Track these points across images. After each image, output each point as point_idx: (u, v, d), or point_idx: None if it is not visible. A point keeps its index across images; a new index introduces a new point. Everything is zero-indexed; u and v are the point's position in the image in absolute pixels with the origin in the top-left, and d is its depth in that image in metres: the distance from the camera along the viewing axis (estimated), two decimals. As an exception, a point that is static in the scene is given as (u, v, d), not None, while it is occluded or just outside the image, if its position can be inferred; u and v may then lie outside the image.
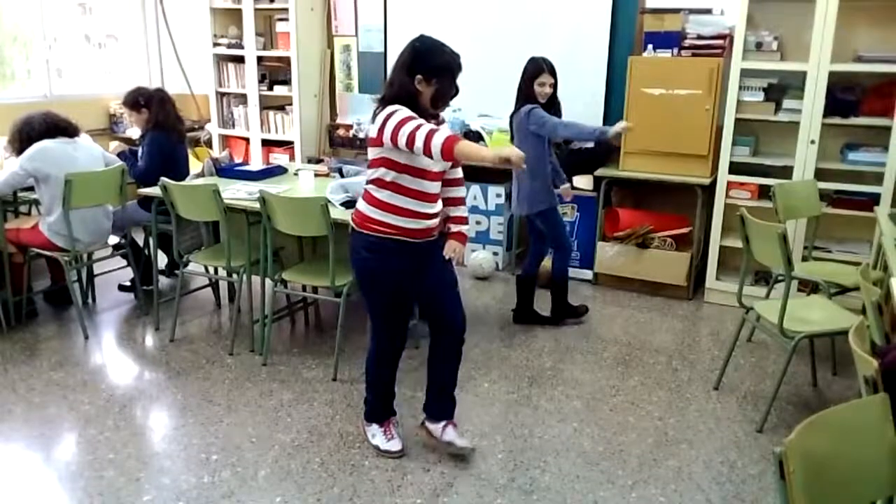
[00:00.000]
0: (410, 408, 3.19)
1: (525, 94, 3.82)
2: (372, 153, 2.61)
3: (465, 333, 2.85)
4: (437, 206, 2.71)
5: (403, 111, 2.49)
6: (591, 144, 4.94)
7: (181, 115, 4.52)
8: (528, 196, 3.96)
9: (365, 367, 2.94)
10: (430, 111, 2.62)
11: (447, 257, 2.76)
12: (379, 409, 2.96)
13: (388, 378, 2.93)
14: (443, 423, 2.88)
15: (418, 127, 2.42)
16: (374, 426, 2.96)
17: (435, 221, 2.71)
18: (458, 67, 2.59)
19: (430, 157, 2.42)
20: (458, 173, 2.84)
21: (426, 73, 2.53)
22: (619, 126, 3.83)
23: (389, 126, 2.47)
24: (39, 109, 3.99)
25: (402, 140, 2.44)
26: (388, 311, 2.79)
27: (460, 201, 2.86)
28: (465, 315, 2.84)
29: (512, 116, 3.94)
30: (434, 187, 2.66)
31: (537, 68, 3.80)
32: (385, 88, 2.61)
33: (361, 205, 2.68)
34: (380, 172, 2.59)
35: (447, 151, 2.36)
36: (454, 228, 2.83)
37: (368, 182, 2.66)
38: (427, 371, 2.91)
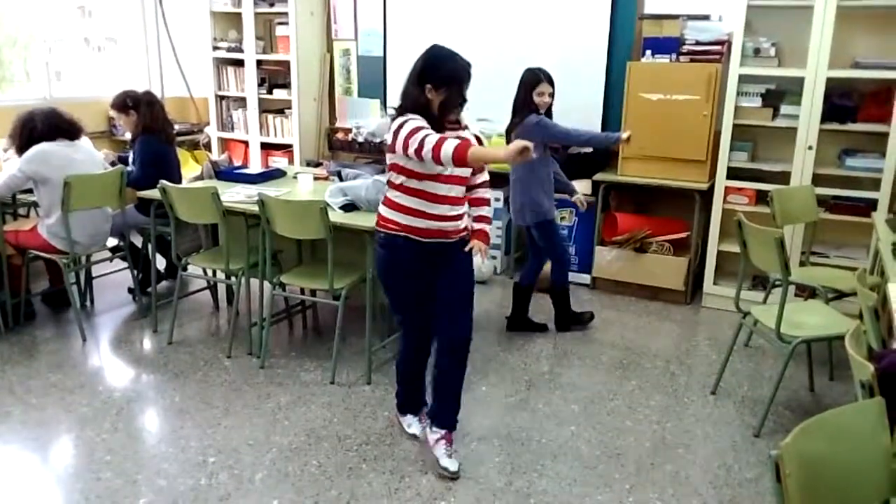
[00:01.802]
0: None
1: (525, 104, 3.80)
2: (388, 158, 2.72)
3: (469, 343, 2.85)
4: (452, 210, 2.72)
5: (414, 121, 2.56)
6: (589, 149, 4.95)
7: (170, 117, 4.53)
8: (525, 206, 3.94)
9: (395, 365, 3.09)
10: (449, 118, 2.67)
11: (468, 250, 2.78)
12: (409, 403, 3.09)
13: (413, 375, 3.05)
14: (438, 435, 2.86)
15: (426, 137, 2.47)
16: (410, 416, 3.08)
17: (447, 224, 2.71)
18: (468, 77, 2.64)
19: (441, 164, 2.50)
20: (483, 176, 2.90)
21: (435, 83, 2.60)
22: (625, 134, 3.93)
23: (400, 136, 2.54)
24: (44, 106, 3.97)
25: (411, 150, 2.50)
26: (402, 308, 2.90)
27: (484, 202, 2.90)
28: (471, 325, 2.85)
29: (509, 129, 3.90)
30: (445, 189, 2.67)
31: (535, 78, 3.79)
32: (400, 98, 2.70)
33: (380, 206, 2.81)
34: (392, 176, 2.71)
35: (459, 158, 2.40)
36: (476, 226, 2.87)
37: (387, 184, 2.78)
38: (433, 376, 2.91)
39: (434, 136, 2.47)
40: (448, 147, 2.41)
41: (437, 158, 2.44)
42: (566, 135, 3.88)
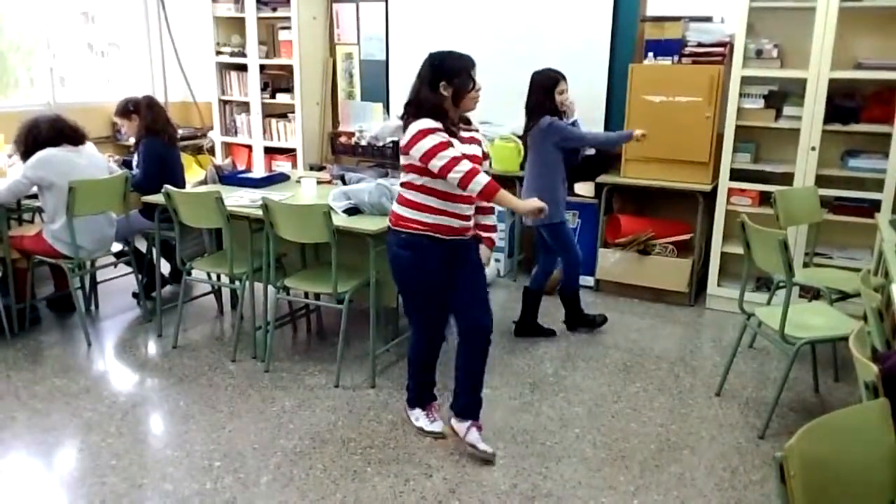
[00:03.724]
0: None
1: (547, 107, 3.76)
2: (403, 159, 2.78)
3: (490, 335, 2.93)
4: (469, 209, 2.84)
5: (438, 135, 2.64)
6: (591, 151, 4.95)
7: (173, 121, 4.56)
8: None
9: (407, 358, 3.14)
10: (461, 114, 2.82)
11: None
12: (419, 396, 3.15)
13: (426, 368, 3.12)
14: (468, 423, 2.96)
15: (456, 160, 2.61)
16: (417, 410, 3.15)
17: (466, 223, 2.85)
18: (472, 63, 2.78)
19: (464, 191, 2.65)
20: None
21: (447, 77, 2.72)
22: (638, 132, 3.89)
23: (422, 148, 2.63)
24: (48, 113, 3.99)
25: (435, 167, 2.62)
26: (420, 305, 2.96)
27: (490, 211, 3.03)
28: (492, 317, 2.94)
29: (526, 133, 3.88)
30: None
31: (553, 79, 3.76)
32: (413, 105, 2.76)
33: (395, 206, 2.85)
34: (410, 177, 2.77)
35: (486, 194, 2.65)
36: (483, 235, 3.01)
37: (401, 185, 2.83)
38: (454, 370, 2.99)
39: (465, 163, 2.61)
40: (481, 180, 2.61)
41: (462, 186, 2.62)
42: (581, 137, 3.90)
